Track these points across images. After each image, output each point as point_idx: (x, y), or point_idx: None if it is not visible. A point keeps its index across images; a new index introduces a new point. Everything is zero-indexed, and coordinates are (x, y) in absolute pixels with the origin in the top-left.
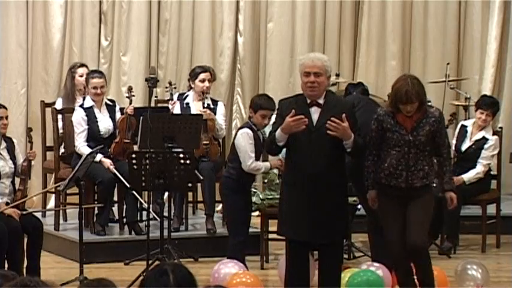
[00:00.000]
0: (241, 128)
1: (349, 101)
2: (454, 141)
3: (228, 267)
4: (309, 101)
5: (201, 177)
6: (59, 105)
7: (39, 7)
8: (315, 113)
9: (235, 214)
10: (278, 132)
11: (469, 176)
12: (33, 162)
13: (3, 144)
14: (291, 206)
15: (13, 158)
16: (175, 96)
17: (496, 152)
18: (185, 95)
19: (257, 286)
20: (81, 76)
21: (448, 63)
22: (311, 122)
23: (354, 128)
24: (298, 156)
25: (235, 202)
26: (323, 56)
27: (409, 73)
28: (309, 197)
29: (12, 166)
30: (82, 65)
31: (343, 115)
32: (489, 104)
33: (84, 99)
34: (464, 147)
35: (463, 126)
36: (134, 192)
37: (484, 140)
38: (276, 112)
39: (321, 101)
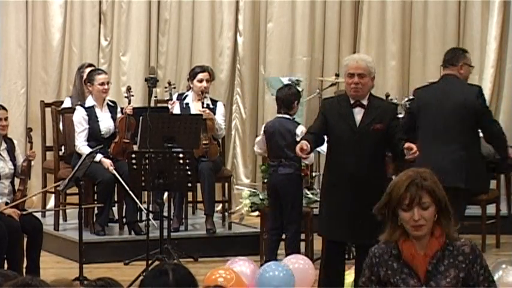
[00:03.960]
0: (297, 124)
1: (393, 104)
2: None
3: (239, 265)
4: (352, 102)
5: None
6: (67, 104)
7: (39, 7)
8: (358, 113)
9: (301, 207)
10: None
11: None
12: (33, 162)
13: (4, 145)
14: (332, 206)
15: (13, 159)
16: (174, 96)
17: None
18: (185, 95)
19: (238, 283)
20: None
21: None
22: (354, 123)
23: (398, 129)
24: (341, 156)
25: (301, 196)
26: (367, 57)
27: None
28: (351, 198)
29: (12, 167)
30: (90, 65)
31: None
32: None
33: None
34: None
35: None
36: (133, 195)
37: None
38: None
39: (364, 102)
